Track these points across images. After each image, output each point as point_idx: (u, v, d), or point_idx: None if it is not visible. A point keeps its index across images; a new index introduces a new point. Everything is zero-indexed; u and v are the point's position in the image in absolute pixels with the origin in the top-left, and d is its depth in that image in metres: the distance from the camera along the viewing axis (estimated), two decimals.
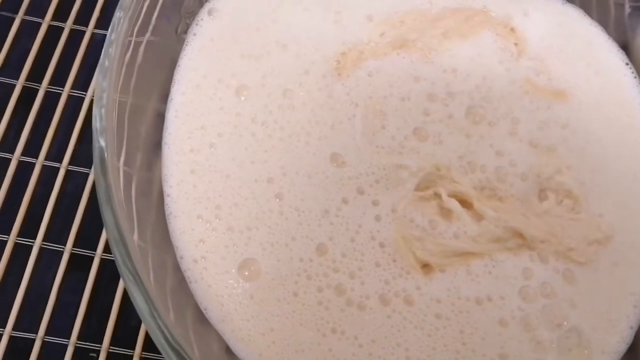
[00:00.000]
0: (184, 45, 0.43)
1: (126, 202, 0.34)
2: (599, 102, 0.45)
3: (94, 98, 0.34)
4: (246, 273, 0.37)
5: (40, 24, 0.53)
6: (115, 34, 0.35)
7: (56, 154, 0.49)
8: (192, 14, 0.44)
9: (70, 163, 0.49)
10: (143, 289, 0.30)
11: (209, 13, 0.44)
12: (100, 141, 0.32)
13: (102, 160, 0.32)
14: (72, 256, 0.46)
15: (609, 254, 0.40)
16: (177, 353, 0.29)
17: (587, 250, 0.39)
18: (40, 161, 0.49)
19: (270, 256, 0.38)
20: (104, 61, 0.35)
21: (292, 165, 0.40)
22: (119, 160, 0.35)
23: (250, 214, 0.39)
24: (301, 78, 0.42)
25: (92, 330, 0.44)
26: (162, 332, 0.29)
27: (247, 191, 0.39)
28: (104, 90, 0.34)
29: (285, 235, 0.38)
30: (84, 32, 0.54)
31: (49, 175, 0.49)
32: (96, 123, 0.33)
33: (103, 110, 0.33)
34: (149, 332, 0.30)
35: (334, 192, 0.39)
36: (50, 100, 0.51)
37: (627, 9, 0.47)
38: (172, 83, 0.42)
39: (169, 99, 0.41)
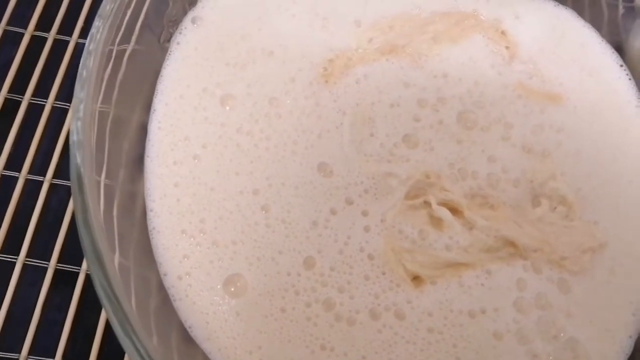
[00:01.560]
0: (167, 55, 0.42)
1: (107, 220, 0.33)
2: (594, 105, 0.44)
3: (72, 110, 0.33)
4: (232, 289, 0.36)
5: (22, 34, 0.52)
6: (94, 44, 0.34)
7: (40, 167, 0.48)
8: (176, 23, 0.43)
9: (54, 176, 0.48)
10: (122, 313, 0.28)
11: (193, 21, 0.43)
12: (77, 157, 0.31)
13: (79, 177, 0.31)
14: (57, 272, 0.45)
15: (604, 262, 0.39)
16: None
17: (581, 259, 0.39)
18: (23, 175, 0.48)
19: (256, 271, 0.37)
20: (81, 72, 0.34)
21: (278, 175, 0.39)
22: (100, 174, 0.34)
23: (235, 227, 0.37)
24: (287, 86, 0.41)
25: (78, 349, 0.43)
26: (142, 358, 0.28)
27: (232, 204, 0.38)
28: (81, 101, 0.33)
29: (272, 248, 0.37)
30: (67, 42, 0.53)
31: (32, 189, 0.48)
32: (73, 137, 0.32)
33: (79, 124, 0.32)
34: (129, 357, 0.29)
35: (322, 202, 0.38)
36: (34, 112, 0.50)
37: (621, 10, 0.47)
38: (155, 93, 0.41)
39: (152, 109, 0.40)
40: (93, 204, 0.30)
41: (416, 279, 0.37)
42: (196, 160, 0.39)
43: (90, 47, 0.34)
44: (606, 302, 0.38)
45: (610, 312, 0.38)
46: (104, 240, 0.30)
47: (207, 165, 0.39)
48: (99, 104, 0.34)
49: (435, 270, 0.38)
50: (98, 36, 0.34)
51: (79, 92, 0.33)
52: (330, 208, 0.38)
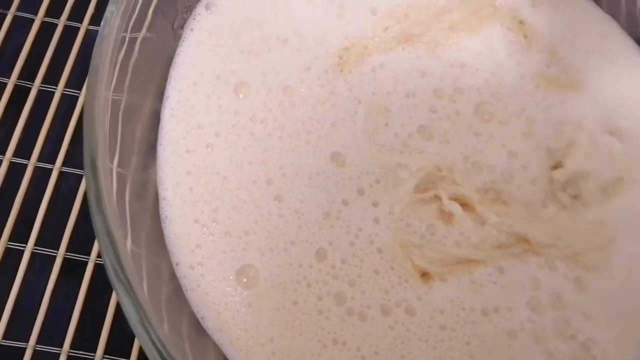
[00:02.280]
0: (181, 41, 0.41)
1: (119, 206, 0.32)
2: (615, 92, 0.43)
3: (85, 97, 0.32)
4: (244, 280, 0.36)
5: (32, 20, 0.52)
6: (108, 29, 0.34)
7: (49, 154, 0.48)
8: (190, 9, 0.43)
9: (63, 164, 0.47)
10: (134, 298, 0.28)
11: (207, 7, 0.42)
12: (91, 143, 0.30)
13: (93, 163, 0.30)
14: (65, 261, 0.45)
15: (621, 260, 0.38)
16: None
17: (596, 255, 0.38)
18: (32, 162, 0.47)
19: (269, 262, 0.36)
20: (95, 58, 0.33)
21: (291, 165, 0.38)
22: (112, 161, 0.33)
23: (248, 217, 0.37)
24: (302, 74, 0.41)
25: (86, 338, 0.43)
26: (154, 344, 0.28)
27: (245, 193, 0.37)
28: (95, 88, 0.32)
29: (285, 239, 0.36)
30: (78, 29, 0.52)
31: (41, 176, 0.47)
32: (86, 124, 0.31)
33: (94, 110, 0.31)
34: (141, 343, 0.28)
35: (335, 193, 0.38)
36: (43, 99, 0.49)
37: (639, 4, 0.46)
38: (168, 80, 0.40)
39: (165, 97, 0.40)
40: (106, 189, 0.30)
41: (425, 274, 0.37)
42: (209, 149, 0.38)
43: (104, 33, 0.33)
44: (625, 301, 0.37)
45: (629, 312, 0.37)
46: (117, 225, 0.30)
47: (220, 154, 0.38)
48: (111, 91, 0.34)
49: (445, 266, 0.37)
50: (112, 22, 0.34)
51: (93, 78, 0.32)
52: (343, 199, 0.38)
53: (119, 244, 0.29)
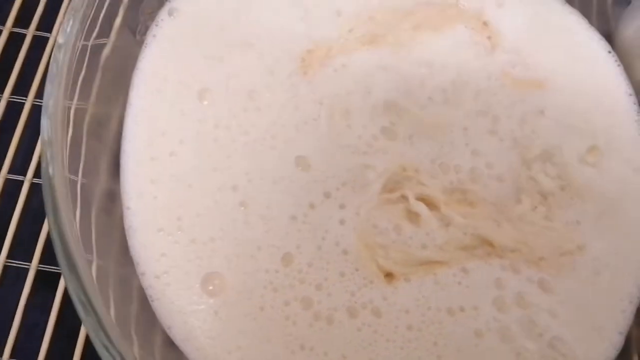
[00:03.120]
0: (143, 48, 0.41)
1: (84, 220, 0.32)
2: (580, 89, 0.43)
3: (42, 108, 0.32)
4: (210, 287, 0.35)
5: (0, 31, 0.51)
6: (64, 37, 0.34)
7: (20, 166, 0.47)
8: (152, 15, 0.42)
9: (34, 176, 0.47)
10: (98, 322, 0.28)
11: (169, 13, 0.42)
12: (47, 155, 0.30)
13: (49, 177, 0.30)
14: (39, 273, 0.44)
15: (587, 263, 0.38)
16: None
17: (559, 261, 0.38)
18: (3, 174, 0.47)
19: (235, 269, 0.36)
20: (52, 67, 0.33)
21: (256, 170, 0.38)
22: (76, 173, 0.33)
23: (213, 224, 0.37)
24: (266, 78, 0.40)
25: (61, 351, 0.42)
26: None
27: (210, 200, 0.37)
28: (50, 97, 0.32)
29: (251, 245, 0.36)
30: (47, 39, 0.52)
31: (12, 189, 0.47)
32: (43, 135, 0.31)
33: (48, 121, 0.31)
34: None
35: (301, 197, 0.38)
36: (13, 110, 0.49)
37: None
38: (131, 87, 0.40)
39: (128, 104, 0.39)
40: (65, 206, 0.29)
41: (389, 275, 0.37)
42: (173, 157, 0.38)
43: (61, 41, 0.33)
44: (592, 301, 0.37)
45: (597, 311, 0.37)
46: (79, 245, 0.29)
47: (184, 161, 0.38)
48: (75, 101, 0.33)
49: (409, 267, 0.37)
50: (68, 29, 0.33)
51: (49, 87, 0.32)
52: (309, 202, 0.38)
53: (80, 267, 0.28)
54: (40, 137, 0.31)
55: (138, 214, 0.36)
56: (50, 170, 0.30)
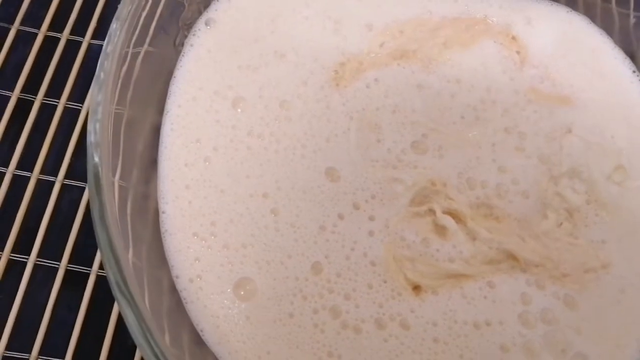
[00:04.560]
0: (180, 57, 0.42)
1: (121, 220, 0.33)
2: (604, 104, 0.44)
3: (89, 111, 0.33)
4: (242, 292, 0.36)
5: (36, 35, 0.53)
6: (112, 46, 0.35)
7: (52, 167, 0.48)
8: (190, 25, 0.43)
9: (66, 177, 0.48)
10: (137, 310, 0.28)
11: (207, 23, 0.43)
12: (94, 157, 0.31)
13: (97, 177, 0.31)
14: (68, 273, 0.45)
15: (613, 281, 0.39)
16: None
17: (583, 278, 0.38)
18: (35, 175, 0.48)
19: (266, 275, 0.37)
20: (99, 74, 0.34)
21: (287, 179, 0.39)
22: (114, 175, 0.34)
23: (245, 230, 0.37)
24: (299, 89, 0.41)
25: (88, 349, 0.43)
26: (156, 356, 0.28)
27: (242, 207, 0.38)
28: (99, 103, 0.33)
29: (281, 252, 0.37)
30: (80, 43, 0.53)
31: (44, 189, 0.48)
32: (90, 137, 0.32)
33: (98, 125, 0.32)
34: (143, 356, 0.29)
35: (330, 207, 0.39)
36: (46, 112, 0.50)
37: (632, 20, 0.47)
38: (168, 95, 0.41)
39: (165, 111, 0.40)
40: (109, 203, 0.30)
41: (416, 288, 0.37)
42: (207, 163, 0.39)
43: (108, 50, 0.34)
44: (616, 319, 0.38)
45: (620, 329, 0.38)
46: (119, 239, 0.30)
47: (218, 167, 0.39)
48: (114, 105, 0.34)
49: (436, 280, 0.38)
50: (115, 39, 0.34)
51: (97, 94, 0.33)
52: (338, 213, 0.38)
53: (121, 257, 0.29)
54: (87, 140, 0.32)
55: (173, 218, 0.37)
56: (99, 170, 0.31)
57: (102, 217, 0.30)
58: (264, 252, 0.37)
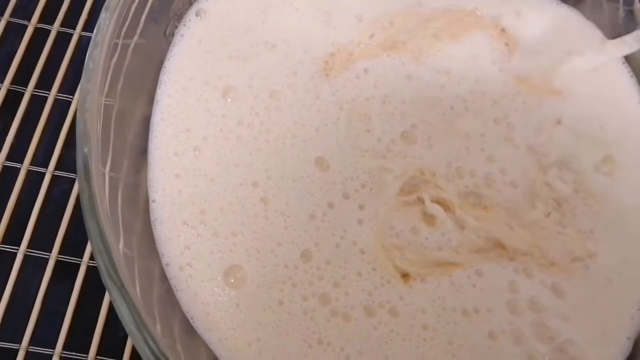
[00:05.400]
0: (171, 47, 0.42)
1: (112, 210, 0.33)
2: (596, 99, 0.44)
3: (79, 101, 0.33)
4: (232, 280, 0.36)
5: (26, 26, 0.52)
6: (101, 36, 0.34)
7: (42, 158, 0.48)
8: (181, 16, 0.43)
9: (56, 168, 0.48)
10: (128, 299, 0.29)
11: (197, 14, 0.43)
12: (84, 147, 0.31)
13: (86, 167, 0.31)
14: (58, 264, 0.45)
15: (600, 270, 0.39)
16: None
17: (570, 267, 0.39)
18: (25, 166, 0.48)
19: (255, 262, 0.37)
20: (88, 63, 0.34)
21: (277, 168, 0.39)
22: (104, 166, 0.34)
23: (235, 219, 0.38)
24: (289, 79, 0.41)
25: (78, 340, 0.43)
26: (148, 344, 0.28)
27: (232, 195, 0.38)
28: (87, 93, 0.33)
29: (271, 240, 0.37)
30: (71, 35, 0.53)
31: (34, 180, 0.48)
32: (80, 127, 0.32)
33: (87, 115, 0.32)
34: (135, 344, 0.29)
35: (320, 196, 0.39)
36: (36, 104, 0.50)
37: (622, 12, 0.47)
38: (159, 85, 0.41)
39: (155, 101, 0.40)
40: (99, 193, 0.30)
41: (405, 275, 0.37)
42: (197, 152, 0.39)
43: (97, 39, 0.34)
44: (603, 306, 0.38)
45: (607, 316, 0.38)
46: (110, 228, 0.30)
47: (207, 157, 0.39)
48: (104, 96, 0.34)
49: (425, 268, 0.38)
50: (105, 28, 0.34)
51: (86, 83, 0.33)
52: (328, 202, 0.39)
53: (112, 246, 0.30)
54: (77, 130, 0.32)
55: (163, 207, 0.37)
56: (88, 160, 0.31)
57: (92, 206, 0.30)
58: (254, 240, 0.37)
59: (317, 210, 0.38)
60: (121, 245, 0.32)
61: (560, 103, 0.43)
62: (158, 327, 0.31)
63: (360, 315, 0.36)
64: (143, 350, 0.28)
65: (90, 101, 0.32)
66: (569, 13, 0.47)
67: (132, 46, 0.38)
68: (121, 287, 0.29)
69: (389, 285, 0.37)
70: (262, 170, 0.39)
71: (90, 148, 0.31)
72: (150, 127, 0.40)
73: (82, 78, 0.33)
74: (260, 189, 0.38)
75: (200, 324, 0.35)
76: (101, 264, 0.29)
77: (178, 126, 0.40)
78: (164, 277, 0.36)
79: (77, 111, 0.32)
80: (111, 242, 0.30)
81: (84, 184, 0.30)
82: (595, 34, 0.47)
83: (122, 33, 0.37)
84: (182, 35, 0.42)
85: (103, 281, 0.30)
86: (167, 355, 0.28)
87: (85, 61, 0.33)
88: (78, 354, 0.43)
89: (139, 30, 0.39)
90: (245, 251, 0.37)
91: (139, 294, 0.31)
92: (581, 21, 0.47)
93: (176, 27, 0.43)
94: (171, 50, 0.42)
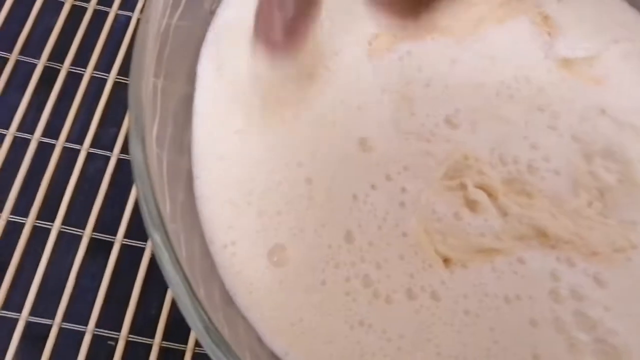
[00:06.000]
0: (213, 18, 0.42)
1: (159, 183, 0.32)
2: (638, 88, 0.43)
3: (131, 74, 0.32)
4: (275, 259, 0.36)
5: (63, 4, 0.52)
6: (151, 11, 0.34)
7: (77, 136, 0.48)
8: None
9: (91, 145, 0.48)
10: (174, 258, 0.27)
11: None
12: (137, 115, 0.30)
13: (140, 135, 0.29)
14: (92, 241, 0.45)
15: None
16: (209, 332, 0.26)
17: (612, 257, 0.38)
18: (60, 143, 0.48)
19: (299, 242, 0.36)
20: (140, 41, 0.33)
21: (320, 148, 0.39)
22: (151, 139, 0.33)
23: (280, 198, 0.37)
24: (331, 58, 0.41)
25: (111, 317, 0.43)
26: (197, 311, 0.27)
27: (278, 175, 0.38)
28: (142, 66, 0.32)
29: (315, 221, 0.37)
30: (107, 13, 0.53)
31: (69, 157, 0.48)
32: (132, 99, 0.31)
33: (141, 86, 0.31)
34: (178, 303, 0.27)
35: (362, 177, 0.38)
36: (72, 81, 0.50)
37: None
38: (199, 61, 0.40)
39: (197, 77, 0.40)
40: (151, 163, 0.30)
41: (446, 260, 0.37)
42: (241, 134, 0.39)
43: (148, 14, 0.33)
44: None
45: None
46: (158, 190, 0.29)
47: (252, 137, 0.39)
48: (153, 72, 0.34)
49: (466, 254, 0.37)
50: (155, 3, 0.34)
51: (138, 62, 0.32)
52: (371, 183, 0.38)
53: (161, 210, 0.28)
54: (129, 103, 0.31)
55: (208, 184, 0.37)
56: (142, 141, 0.29)
57: (146, 166, 0.29)
58: (298, 219, 0.37)
59: (359, 191, 0.38)
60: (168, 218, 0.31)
61: (604, 92, 0.43)
62: (201, 291, 0.30)
63: (402, 298, 0.36)
64: (188, 311, 0.27)
65: (143, 79, 0.32)
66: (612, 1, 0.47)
67: (174, 22, 0.38)
68: (167, 244, 0.27)
69: (431, 269, 0.37)
70: (306, 150, 0.39)
71: (144, 116, 0.30)
72: (194, 105, 0.39)
73: (133, 54, 0.33)
74: (305, 169, 0.38)
75: (242, 302, 0.35)
76: (147, 215, 0.28)
77: (219, 105, 0.39)
78: (206, 254, 0.36)
79: (130, 84, 0.31)
80: (162, 209, 0.29)
81: (138, 151, 0.29)
82: (637, 18, 0.46)
83: (168, 10, 0.36)
84: (224, 9, 0.42)
85: (148, 232, 0.28)
86: (213, 320, 0.27)
87: (137, 37, 0.33)
88: (110, 332, 0.43)
89: (182, 5, 0.39)
90: (289, 230, 0.37)
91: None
92: (624, 7, 0.47)
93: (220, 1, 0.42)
94: (213, 22, 0.41)
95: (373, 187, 0.38)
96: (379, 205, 0.38)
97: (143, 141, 0.29)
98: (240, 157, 0.38)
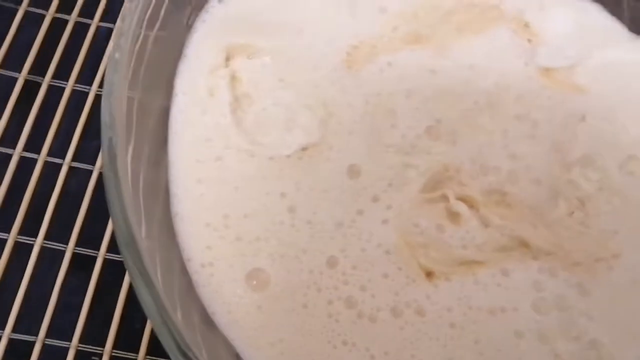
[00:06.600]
0: (191, 33, 0.41)
1: (134, 199, 0.32)
2: (620, 97, 0.43)
3: (104, 91, 0.32)
4: (254, 282, 0.36)
5: (44, 16, 0.52)
6: (127, 24, 0.34)
7: (59, 150, 0.48)
8: (203, 3, 0.43)
9: (73, 159, 0.48)
10: (153, 289, 0.27)
11: (219, 0, 0.43)
12: (110, 136, 0.30)
13: (113, 156, 0.30)
14: (75, 256, 0.45)
15: (625, 272, 0.38)
16: (186, 357, 0.27)
17: (594, 267, 0.38)
18: (42, 157, 0.48)
19: (279, 267, 0.36)
20: (114, 53, 0.33)
21: (307, 181, 0.38)
22: (126, 155, 0.33)
23: (259, 225, 0.37)
24: (311, 74, 0.41)
25: (95, 332, 0.43)
26: (172, 335, 0.27)
27: (257, 203, 0.37)
28: (113, 84, 0.32)
29: (296, 247, 0.36)
30: (89, 25, 0.53)
31: (51, 171, 0.47)
32: (105, 117, 0.31)
33: (113, 103, 0.31)
34: (155, 330, 0.27)
35: (350, 204, 0.38)
36: (54, 94, 0.50)
37: None
38: (177, 75, 0.40)
39: (173, 93, 0.40)
40: (124, 182, 0.29)
41: (429, 274, 0.37)
42: (219, 162, 0.38)
43: (124, 28, 0.33)
44: (629, 306, 0.37)
45: (634, 316, 0.37)
46: (134, 214, 0.29)
47: (230, 165, 0.38)
48: (127, 86, 0.34)
49: (449, 266, 0.37)
50: (130, 17, 0.34)
51: (112, 73, 0.32)
52: (357, 209, 0.38)
53: (136, 236, 0.28)
54: (102, 120, 0.31)
55: (185, 203, 0.36)
56: (116, 152, 0.30)
57: (119, 195, 0.29)
58: (279, 246, 0.36)
59: (345, 218, 0.37)
60: (143, 235, 0.31)
61: (584, 99, 0.42)
62: (179, 316, 0.30)
63: (387, 316, 0.35)
64: (165, 337, 0.27)
65: (116, 91, 0.32)
66: (593, 7, 0.47)
67: (153, 35, 0.38)
68: (146, 277, 0.28)
69: (415, 284, 0.36)
70: (291, 183, 0.38)
71: (117, 137, 0.30)
72: (170, 122, 0.39)
73: (107, 68, 0.32)
74: (288, 199, 0.38)
75: (221, 320, 0.35)
76: (126, 253, 0.28)
77: (197, 132, 0.39)
78: (184, 271, 0.36)
79: (103, 100, 0.31)
80: (136, 232, 0.29)
81: (110, 172, 0.29)
82: (620, 29, 0.46)
83: (145, 23, 0.36)
84: (203, 21, 0.42)
85: (126, 265, 0.28)
86: (191, 346, 0.27)
87: (111, 50, 0.33)
88: (94, 347, 0.43)
89: (160, 19, 0.38)
90: (269, 256, 0.36)
91: (160, 284, 0.30)
92: (605, 16, 0.47)
93: (198, 14, 0.42)
94: (191, 37, 0.41)
95: (360, 212, 0.38)
96: (364, 228, 0.37)
97: (114, 159, 0.29)
98: (219, 182, 0.38)
